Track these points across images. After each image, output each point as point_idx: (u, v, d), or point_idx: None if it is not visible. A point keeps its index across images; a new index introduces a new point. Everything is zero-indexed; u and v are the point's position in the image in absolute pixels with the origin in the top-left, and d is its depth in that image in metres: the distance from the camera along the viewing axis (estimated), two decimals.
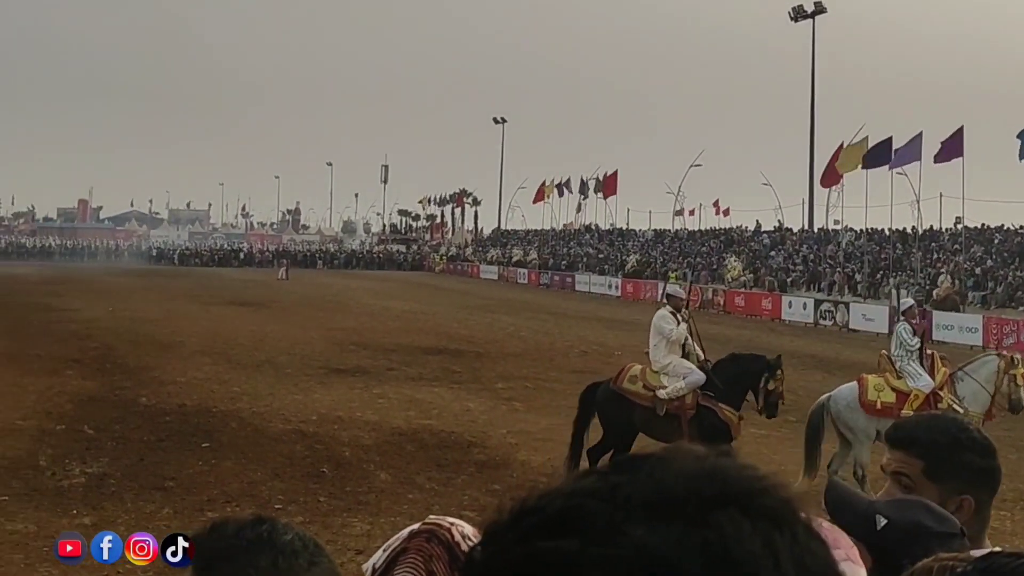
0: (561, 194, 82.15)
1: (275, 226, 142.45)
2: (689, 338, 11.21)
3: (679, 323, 11.16)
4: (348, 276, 68.96)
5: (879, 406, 10.69)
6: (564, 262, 66.92)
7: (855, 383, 11.25)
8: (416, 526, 1.70)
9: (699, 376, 10.79)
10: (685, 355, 11.14)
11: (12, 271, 60.46)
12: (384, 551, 1.72)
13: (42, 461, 11.06)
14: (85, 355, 20.00)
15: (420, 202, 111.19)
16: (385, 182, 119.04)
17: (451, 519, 1.70)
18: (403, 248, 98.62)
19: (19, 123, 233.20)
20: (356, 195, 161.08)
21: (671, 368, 10.90)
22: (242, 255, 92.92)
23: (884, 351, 11.87)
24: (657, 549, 0.68)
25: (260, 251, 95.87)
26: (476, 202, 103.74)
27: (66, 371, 17.74)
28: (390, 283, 58.44)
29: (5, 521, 8.71)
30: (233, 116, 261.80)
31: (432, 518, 1.71)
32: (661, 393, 10.70)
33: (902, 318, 12.59)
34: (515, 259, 74.40)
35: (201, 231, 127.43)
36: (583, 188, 77.66)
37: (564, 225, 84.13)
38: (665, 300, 12.08)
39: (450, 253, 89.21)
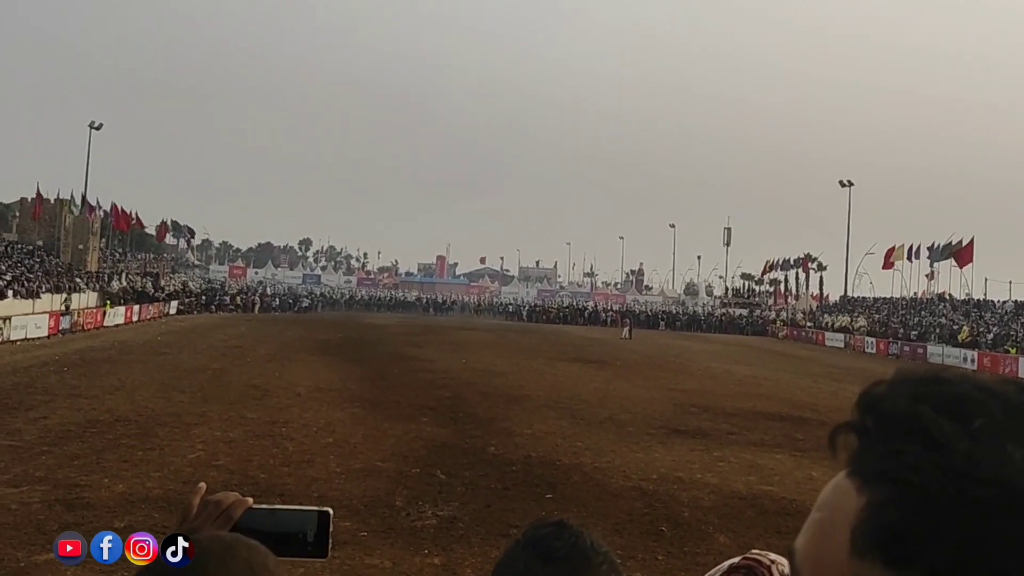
0: (911, 260, 78.34)
1: (619, 286, 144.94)
2: None
3: None
4: (689, 338, 68.72)
5: None
6: (915, 332, 63.42)
7: None
8: (736, 560, 1.67)
9: None
10: None
11: (377, 322, 64.91)
12: None
13: (398, 501, 11.68)
14: (439, 404, 20.99)
15: (765, 266, 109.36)
16: (728, 244, 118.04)
17: (773, 555, 1.63)
18: (745, 312, 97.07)
19: (390, 187, 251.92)
20: (699, 257, 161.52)
21: None
22: (587, 313, 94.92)
23: None
24: None
25: (604, 310, 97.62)
26: (821, 267, 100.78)
27: (422, 418, 18.68)
28: (732, 347, 57.67)
29: (364, 555, 9.24)
30: (579, 178, 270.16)
31: (754, 552, 1.67)
32: None
33: None
34: (838, 324, 71.98)
35: (549, 288, 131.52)
36: (936, 255, 73.69)
37: (915, 294, 79.99)
38: None
39: (783, 317, 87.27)
